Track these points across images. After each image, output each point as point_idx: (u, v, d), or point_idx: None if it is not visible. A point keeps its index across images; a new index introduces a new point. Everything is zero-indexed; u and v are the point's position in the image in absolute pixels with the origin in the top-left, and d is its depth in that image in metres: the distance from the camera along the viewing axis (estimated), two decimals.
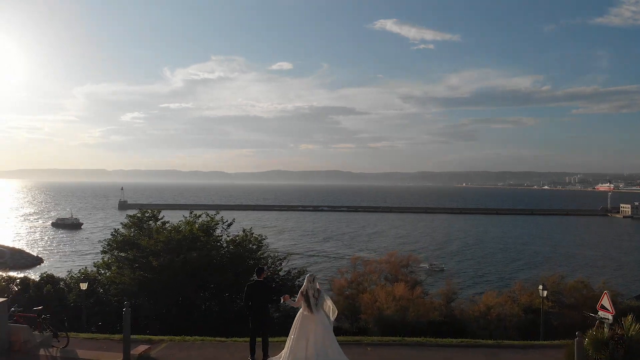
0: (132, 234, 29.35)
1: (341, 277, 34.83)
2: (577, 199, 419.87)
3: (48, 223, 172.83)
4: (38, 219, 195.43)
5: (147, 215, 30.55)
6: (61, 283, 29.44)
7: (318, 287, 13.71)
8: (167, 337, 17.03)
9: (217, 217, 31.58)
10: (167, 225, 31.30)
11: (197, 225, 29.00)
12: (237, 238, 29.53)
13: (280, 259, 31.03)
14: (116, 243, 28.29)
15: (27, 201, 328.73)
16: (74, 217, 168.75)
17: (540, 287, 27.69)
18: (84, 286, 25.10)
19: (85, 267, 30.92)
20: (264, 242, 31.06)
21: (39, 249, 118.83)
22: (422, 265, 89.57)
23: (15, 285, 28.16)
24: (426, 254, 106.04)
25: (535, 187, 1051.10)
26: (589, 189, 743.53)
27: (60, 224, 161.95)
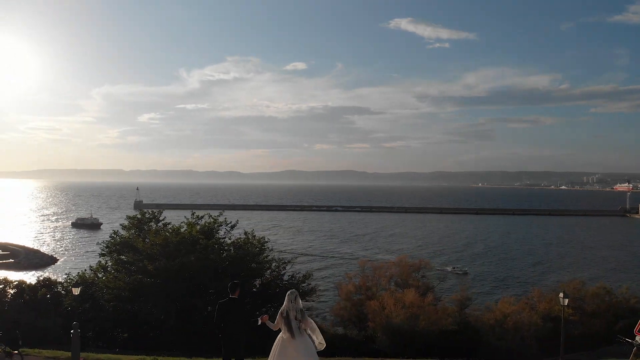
0: (131, 236, 28.31)
1: (349, 282, 33.29)
2: (595, 199, 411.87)
3: (68, 223, 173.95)
4: (58, 219, 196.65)
5: (147, 216, 29.47)
6: (59, 286, 28.47)
7: (301, 306, 11.76)
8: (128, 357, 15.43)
9: (221, 219, 30.41)
10: (170, 226, 30.22)
11: (198, 227, 27.84)
12: (239, 241, 28.28)
13: (285, 262, 29.71)
14: (114, 245, 27.27)
15: (47, 201, 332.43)
16: (93, 217, 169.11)
17: (561, 295, 25.86)
18: (76, 291, 24.01)
19: (84, 270, 29.88)
20: (267, 244, 29.64)
21: (55, 248, 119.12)
22: (445, 268, 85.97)
23: (11, 289, 27.27)
24: (448, 256, 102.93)
25: (553, 187, 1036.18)
26: (608, 189, 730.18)
27: (80, 224, 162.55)
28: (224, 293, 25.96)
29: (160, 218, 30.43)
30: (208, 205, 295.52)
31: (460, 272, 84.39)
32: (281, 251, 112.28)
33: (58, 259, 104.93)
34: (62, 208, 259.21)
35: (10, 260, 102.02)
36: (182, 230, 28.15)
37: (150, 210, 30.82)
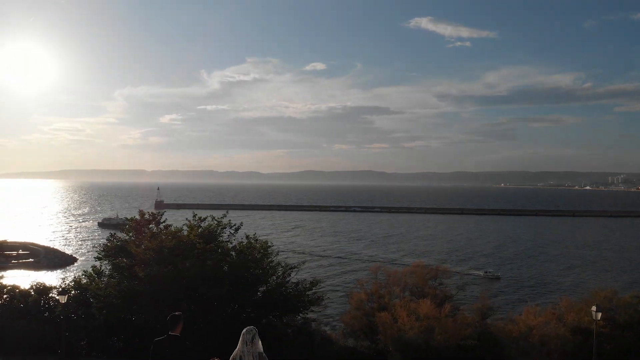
0: (131, 239, 26.71)
1: (361, 289, 31.15)
2: (620, 199, 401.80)
3: (94, 223, 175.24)
4: (85, 219, 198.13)
5: (146, 217, 27.79)
6: (54, 291, 27.10)
7: (261, 349, 8.97)
8: None
9: (225, 220, 28.60)
10: (172, 228, 28.59)
11: (199, 230, 26.09)
12: (241, 245, 26.39)
13: (291, 268, 27.74)
14: (111, 249, 25.67)
15: (71, 201, 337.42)
16: (119, 217, 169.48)
17: (594, 308, 23.49)
18: (63, 299, 22.48)
19: (79, 276, 28.38)
20: (272, 248, 27.58)
21: (78, 248, 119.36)
22: (475, 272, 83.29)
23: (4, 294, 26.00)
24: (477, 260, 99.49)
25: (577, 187, 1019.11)
26: (633, 190, 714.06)
27: (107, 224, 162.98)
28: (220, 302, 24.38)
29: (162, 220, 28.56)
30: (228, 205, 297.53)
31: (492, 277, 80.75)
32: (296, 252, 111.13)
33: (78, 259, 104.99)
34: (87, 208, 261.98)
35: (30, 259, 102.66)
36: (182, 233, 26.45)
37: (149, 212, 29.09)
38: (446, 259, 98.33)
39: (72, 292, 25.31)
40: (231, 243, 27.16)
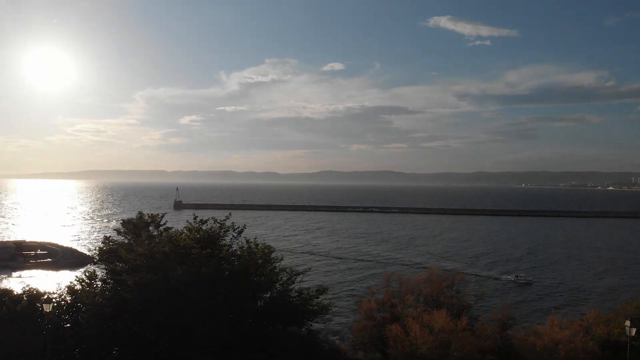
0: (127, 242, 25.10)
1: (371, 297, 28.99)
2: None
3: (117, 224, 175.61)
4: (109, 219, 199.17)
5: (145, 219, 26.13)
6: (46, 296, 25.68)
7: None
8: None
9: (228, 222, 26.88)
10: (172, 230, 27.04)
11: (197, 234, 24.38)
12: (241, 250, 24.49)
13: (297, 274, 25.81)
14: (105, 253, 24.07)
15: (94, 202, 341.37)
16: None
17: (628, 323, 21.21)
18: (47, 308, 20.97)
19: (73, 281, 26.84)
20: (274, 254, 25.52)
21: (97, 248, 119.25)
22: (506, 277, 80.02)
23: None
24: (506, 264, 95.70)
25: (600, 187, 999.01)
26: None
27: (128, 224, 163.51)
28: (216, 312, 22.54)
29: (162, 222, 26.84)
30: (245, 205, 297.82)
31: (524, 282, 77.10)
32: (312, 253, 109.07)
33: (95, 259, 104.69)
34: (109, 209, 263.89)
35: (48, 259, 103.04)
36: (181, 236, 24.78)
37: (148, 214, 27.44)
38: (474, 263, 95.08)
39: (67, 297, 23.89)
40: (231, 247, 25.27)
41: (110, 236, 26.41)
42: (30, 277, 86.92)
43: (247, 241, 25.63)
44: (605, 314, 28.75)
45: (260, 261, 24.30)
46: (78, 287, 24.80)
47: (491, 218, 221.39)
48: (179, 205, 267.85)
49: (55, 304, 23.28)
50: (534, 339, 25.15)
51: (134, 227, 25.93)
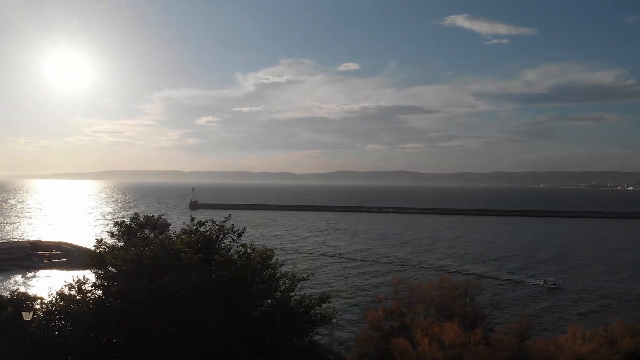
0: (121, 245, 23.73)
1: (378, 306, 27.16)
2: None
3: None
4: (126, 219, 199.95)
5: (139, 221, 24.66)
6: (38, 301, 24.44)
7: None
8: None
9: (227, 224, 25.37)
10: (169, 233, 25.65)
11: (191, 237, 22.91)
12: (238, 254, 22.91)
13: (299, 280, 24.14)
14: (94, 257, 22.69)
15: (111, 202, 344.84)
16: (162, 217, 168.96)
17: None
18: (27, 316, 19.62)
19: (63, 287, 25.53)
20: (274, 258, 23.80)
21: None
22: (534, 281, 76.73)
23: None
24: (534, 267, 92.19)
25: (620, 187, 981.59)
26: None
27: (146, 224, 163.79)
28: (208, 323, 20.84)
29: (158, 224, 25.35)
30: (261, 205, 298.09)
31: (553, 286, 73.53)
32: (325, 254, 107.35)
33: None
34: (127, 209, 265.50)
35: (63, 259, 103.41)
36: (178, 239, 23.35)
37: (144, 215, 26.03)
38: (500, 266, 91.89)
39: (60, 303, 22.54)
40: (229, 251, 23.67)
41: (102, 239, 25.04)
42: (44, 276, 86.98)
43: (243, 245, 23.97)
44: (631, 324, 26.61)
45: (258, 266, 22.65)
46: (67, 292, 23.53)
47: (512, 219, 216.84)
48: (195, 206, 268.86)
49: (44, 311, 22.04)
50: (554, 349, 23.20)
51: (127, 229, 24.47)
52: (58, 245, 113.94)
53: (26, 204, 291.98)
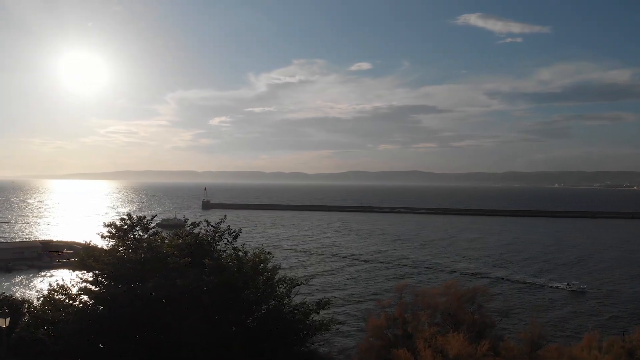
0: (111, 247, 22.58)
1: (380, 312, 25.61)
2: None
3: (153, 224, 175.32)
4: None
5: (129, 223, 23.46)
6: (25, 306, 23.45)
7: None
8: None
9: (223, 226, 24.13)
10: (163, 234, 24.56)
11: (179, 240, 21.72)
12: (229, 257, 21.55)
13: (297, 284, 22.74)
14: (81, 260, 21.55)
15: (126, 201, 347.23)
16: (177, 217, 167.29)
17: None
18: (3, 323, 18.49)
19: (51, 291, 24.49)
20: (268, 263, 22.30)
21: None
22: (557, 285, 74.37)
23: None
24: (558, 270, 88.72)
25: (635, 187, 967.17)
26: None
27: (164, 225, 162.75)
28: (193, 333, 19.43)
29: (150, 226, 24.06)
30: (273, 205, 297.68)
31: (577, 290, 70.59)
32: (336, 255, 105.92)
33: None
34: (141, 209, 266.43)
35: (74, 259, 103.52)
36: (171, 242, 22.19)
37: (136, 215, 24.86)
38: (521, 269, 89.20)
39: (42, 308, 21.58)
40: (222, 255, 22.34)
41: (90, 241, 24.01)
42: (55, 276, 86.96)
43: (235, 249, 22.61)
44: None
45: (250, 271, 21.27)
46: (52, 297, 22.50)
47: (528, 219, 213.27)
48: (207, 205, 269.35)
49: (30, 315, 21.09)
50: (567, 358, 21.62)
51: (117, 230, 23.33)
52: (70, 245, 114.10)
53: (40, 204, 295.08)
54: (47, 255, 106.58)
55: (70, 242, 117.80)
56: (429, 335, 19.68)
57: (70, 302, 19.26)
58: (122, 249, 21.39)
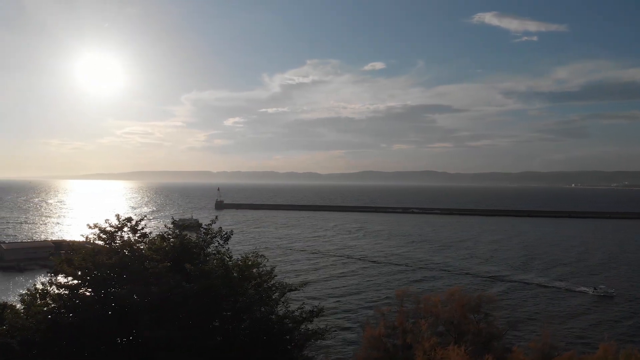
0: (91, 250, 21.32)
1: (379, 319, 23.94)
2: None
3: (163, 224, 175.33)
4: (153, 218, 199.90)
5: (116, 224, 22.07)
6: (8, 310, 22.42)
7: None
8: None
9: (215, 227, 22.79)
10: (152, 234, 23.27)
11: (164, 243, 20.49)
12: (217, 261, 20.19)
13: (290, 290, 21.25)
14: (59, 263, 20.32)
15: (141, 201, 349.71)
16: (193, 217, 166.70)
17: None
18: None
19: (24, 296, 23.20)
20: (258, 268, 20.88)
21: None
22: (582, 289, 71.77)
23: None
24: (583, 274, 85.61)
25: None
26: None
27: (180, 225, 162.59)
28: (171, 347, 18.09)
29: (139, 227, 22.69)
30: (286, 205, 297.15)
31: (604, 294, 67.84)
32: (347, 257, 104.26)
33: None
34: (155, 209, 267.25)
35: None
36: (156, 244, 20.97)
37: (126, 216, 23.43)
38: (545, 272, 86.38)
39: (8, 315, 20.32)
40: (207, 260, 20.97)
41: (71, 241, 22.83)
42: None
43: (219, 252, 21.15)
44: None
45: (237, 276, 19.84)
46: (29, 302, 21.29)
47: (548, 220, 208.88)
48: (220, 205, 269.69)
49: (8, 321, 19.91)
50: None
51: (102, 231, 22.03)
52: (82, 246, 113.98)
53: (55, 205, 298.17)
54: (59, 255, 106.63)
55: (84, 242, 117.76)
56: (429, 347, 18.08)
57: (44, 308, 18.11)
58: (104, 252, 20.04)
